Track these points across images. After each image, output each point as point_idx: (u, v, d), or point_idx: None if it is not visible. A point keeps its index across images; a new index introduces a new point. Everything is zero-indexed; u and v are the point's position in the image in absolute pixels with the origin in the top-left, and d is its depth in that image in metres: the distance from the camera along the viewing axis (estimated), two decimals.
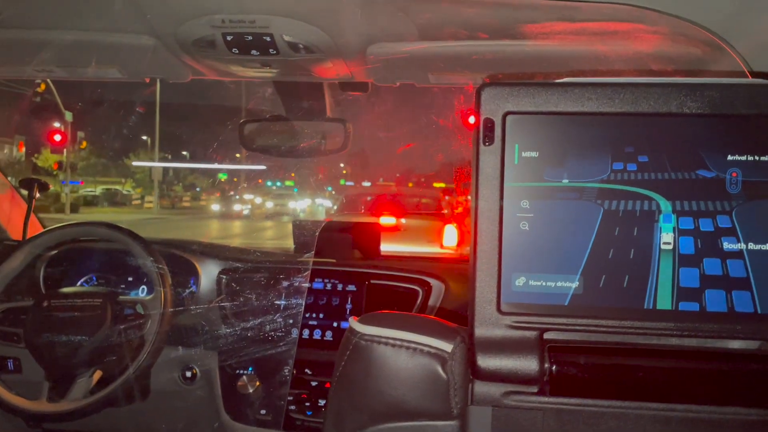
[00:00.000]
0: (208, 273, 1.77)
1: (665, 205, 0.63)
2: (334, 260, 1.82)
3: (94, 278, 1.80)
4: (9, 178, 2.15)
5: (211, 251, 1.83)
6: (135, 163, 25.62)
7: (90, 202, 22.23)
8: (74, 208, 18.64)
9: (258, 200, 21.44)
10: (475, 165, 0.65)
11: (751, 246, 0.62)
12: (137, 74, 1.60)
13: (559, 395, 0.65)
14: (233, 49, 1.30)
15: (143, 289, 1.75)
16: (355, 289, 1.72)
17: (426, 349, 0.67)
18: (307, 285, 1.71)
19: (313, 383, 1.65)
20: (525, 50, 1.28)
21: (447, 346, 0.67)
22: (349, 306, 1.71)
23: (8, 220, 2.05)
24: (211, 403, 1.68)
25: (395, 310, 0.77)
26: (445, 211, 7.33)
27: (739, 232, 0.62)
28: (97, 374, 1.52)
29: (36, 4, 1.26)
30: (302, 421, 1.61)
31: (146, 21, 1.27)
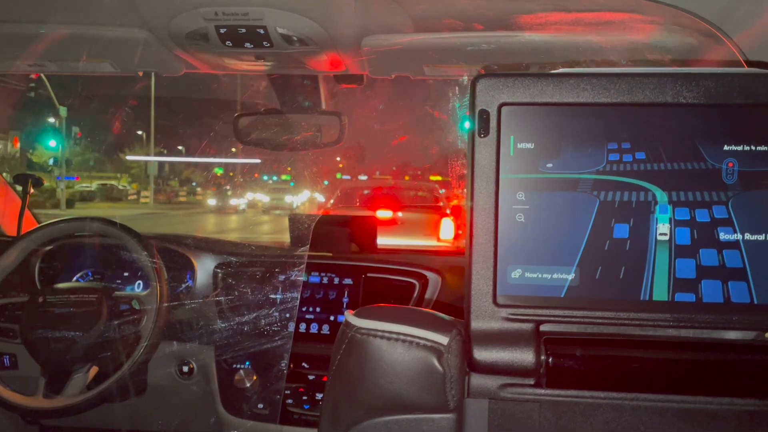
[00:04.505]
0: (204, 267, 1.77)
1: (661, 195, 0.63)
2: (330, 254, 1.82)
3: (90, 274, 1.79)
4: (4, 174, 2.14)
5: (207, 246, 1.82)
6: (129, 157, 25.56)
7: (86, 197, 22.15)
8: (70, 204, 18.60)
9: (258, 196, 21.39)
10: (470, 157, 0.65)
11: (748, 236, 0.62)
12: (130, 68, 1.59)
13: (555, 387, 0.65)
14: (227, 42, 1.29)
15: (139, 284, 1.75)
16: (351, 282, 1.72)
17: (422, 342, 0.67)
18: (303, 279, 1.71)
19: (310, 377, 1.65)
20: (520, 41, 1.28)
21: (443, 339, 0.67)
22: (345, 299, 1.71)
23: (2, 215, 2.04)
24: (208, 397, 1.68)
25: (392, 304, 0.77)
26: (441, 204, 7.33)
27: (735, 223, 0.62)
28: (94, 370, 1.51)
29: None
30: (299, 414, 1.61)
31: (138, 14, 1.26)
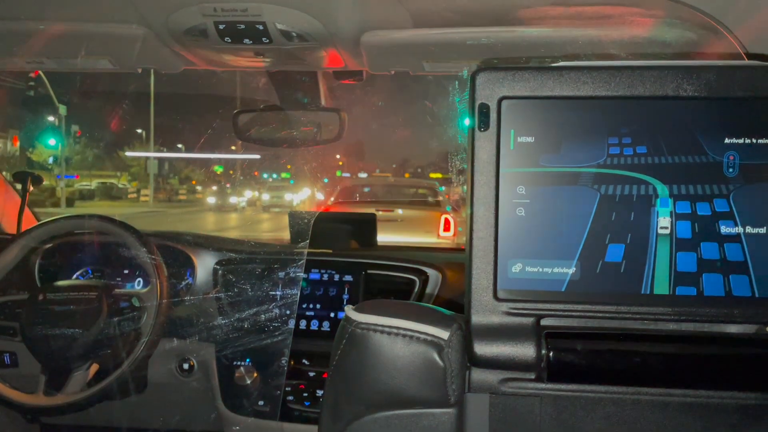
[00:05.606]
0: (204, 264, 1.77)
1: (662, 189, 0.63)
2: (330, 250, 1.82)
3: (90, 271, 1.79)
4: (3, 173, 2.14)
5: (207, 242, 1.82)
6: (129, 154, 25.58)
7: (85, 195, 22.16)
8: (70, 202, 18.60)
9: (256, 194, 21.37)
10: (470, 151, 0.65)
11: (749, 229, 0.62)
12: (129, 65, 1.59)
13: (556, 381, 0.64)
14: (226, 38, 1.28)
15: (139, 281, 1.75)
16: (351, 279, 1.72)
17: (422, 336, 0.67)
18: (303, 275, 1.71)
19: (311, 373, 1.65)
20: (520, 35, 1.27)
21: (443, 334, 0.67)
22: (345, 296, 1.71)
23: (2, 213, 2.03)
24: (208, 394, 1.68)
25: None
26: (440, 199, 7.34)
27: (736, 216, 0.62)
28: (94, 367, 1.51)
29: None
30: (300, 411, 1.61)
31: (137, 10, 1.26)
